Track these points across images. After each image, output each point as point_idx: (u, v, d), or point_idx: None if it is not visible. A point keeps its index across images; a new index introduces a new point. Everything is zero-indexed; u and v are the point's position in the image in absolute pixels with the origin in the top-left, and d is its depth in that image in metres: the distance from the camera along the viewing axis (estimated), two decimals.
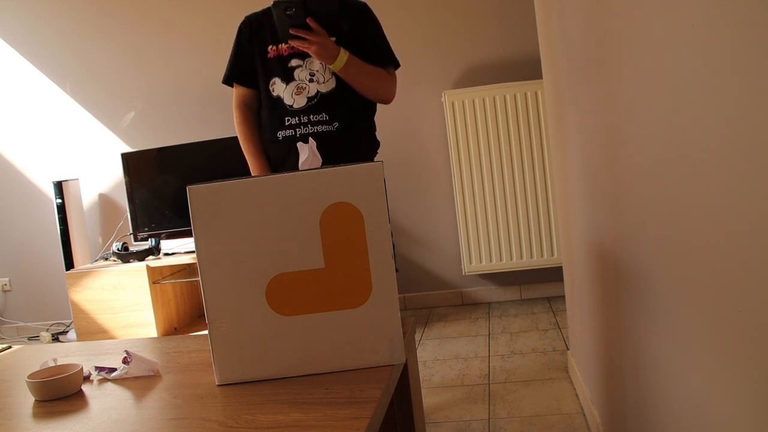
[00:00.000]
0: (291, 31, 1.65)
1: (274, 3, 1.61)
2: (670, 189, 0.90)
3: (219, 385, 1.04)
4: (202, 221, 1.01)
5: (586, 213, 1.62)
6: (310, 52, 1.71)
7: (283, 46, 1.78)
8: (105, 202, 3.66)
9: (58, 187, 3.33)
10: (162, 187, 3.26)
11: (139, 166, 3.28)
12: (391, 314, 1.00)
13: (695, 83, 0.76)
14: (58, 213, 3.34)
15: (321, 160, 1.58)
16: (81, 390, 1.10)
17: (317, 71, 1.77)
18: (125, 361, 1.16)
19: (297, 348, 1.02)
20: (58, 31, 3.56)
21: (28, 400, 1.08)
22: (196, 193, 1.00)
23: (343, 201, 0.99)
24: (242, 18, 1.87)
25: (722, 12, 0.66)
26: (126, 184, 3.28)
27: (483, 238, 3.12)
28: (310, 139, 1.66)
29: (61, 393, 1.07)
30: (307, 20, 1.65)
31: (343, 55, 1.71)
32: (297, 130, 1.74)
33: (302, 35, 1.66)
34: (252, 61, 1.82)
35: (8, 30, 3.61)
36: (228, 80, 1.87)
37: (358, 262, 0.99)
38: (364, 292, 1.00)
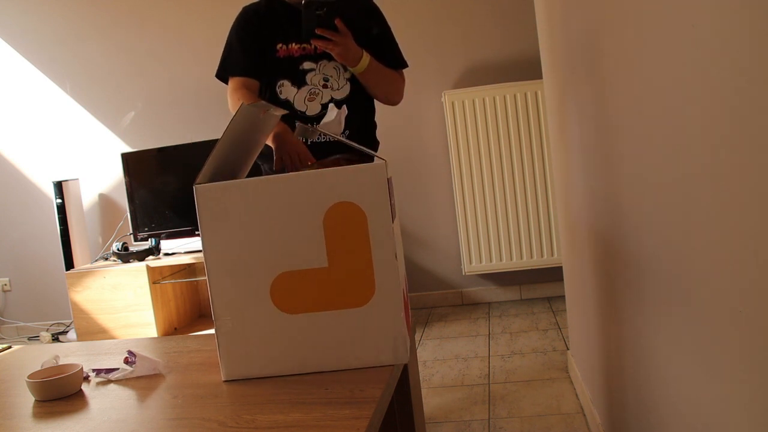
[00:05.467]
0: (317, 31, 1.60)
1: (306, 2, 1.56)
2: (671, 189, 0.90)
3: (225, 381, 1.04)
4: (209, 220, 1.02)
5: (587, 213, 1.62)
6: (333, 54, 1.65)
7: (294, 45, 1.71)
8: (105, 202, 3.66)
9: (58, 187, 3.33)
10: (162, 187, 3.26)
11: (139, 166, 3.28)
12: (394, 314, 1.00)
13: (695, 82, 0.76)
14: (58, 213, 3.34)
15: (342, 129, 1.54)
16: (81, 390, 1.10)
17: (331, 77, 1.72)
18: (126, 361, 1.16)
19: (301, 346, 1.02)
20: (58, 31, 3.56)
21: (28, 400, 1.08)
22: (202, 192, 1.01)
23: (347, 200, 0.99)
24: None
25: (722, 12, 0.66)
26: (126, 184, 3.28)
27: (483, 238, 3.12)
28: (344, 106, 1.59)
29: (61, 393, 1.07)
30: (335, 21, 1.60)
31: (366, 58, 1.67)
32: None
33: (328, 36, 1.60)
34: (258, 55, 1.72)
35: (8, 30, 3.61)
36: (235, 73, 1.72)
37: (361, 262, 1.00)
38: (367, 292, 1.00)
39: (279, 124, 1.61)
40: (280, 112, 1.36)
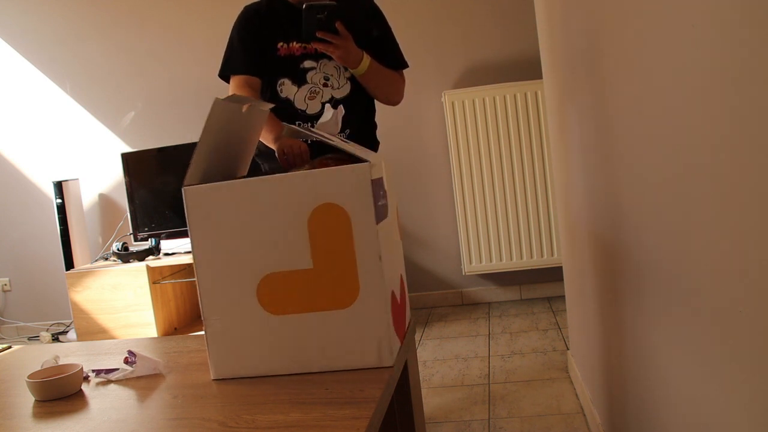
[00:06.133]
0: (318, 35, 1.61)
1: (307, 6, 1.57)
2: (671, 189, 0.90)
3: (214, 380, 1.05)
4: (198, 221, 1.03)
5: (587, 212, 1.62)
6: (334, 57, 1.66)
7: (295, 45, 1.71)
8: (105, 202, 3.66)
9: (58, 187, 3.33)
10: (162, 187, 3.26)
11: (139, 166, 3.28)
12: (378, 316, 1.00)
13: (695, 82, 0.76)
14: (58, 213, 3.34)
15: (338, 129, 1.55)
16: (81, 390, 1.10)
17: (332, 75, 1.72)
18: (127, 361, 1.16)
19: (287, 346, 1.03)
20: (58, 31, 3.56)
21: (28, 400, 1.08)
22: (191, 194, 1.02)
23: (331, 202, 0.99)
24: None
25: (722, 12, 0.66)
26: (126, 184, 3.28)
27: (483, 238, 3.12)
28: (340, 106, 1.61)
29: (61, 393, 1.07)
30: (336, 24, 1.60)
31: (366, 60, 1.68)
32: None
33: (329, 39, 1.61)
34: (259, 54, 1.73)
35: (8, 30, 3.61)
36: (237, 72, 1.73)
37: (345, 263, 0.99)
38: (351, 294, 1.00)
39: (279, 124, 1.62)
40: (266, 106, 1.35)
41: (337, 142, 1.15)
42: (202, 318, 1.05)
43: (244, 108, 1.18)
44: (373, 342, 1.00)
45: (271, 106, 1.39)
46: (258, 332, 1.03)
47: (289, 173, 1.02)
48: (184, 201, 1.02)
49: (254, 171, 1.57)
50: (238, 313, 1.03)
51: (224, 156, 1.17)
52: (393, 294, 1.06)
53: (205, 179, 1.08)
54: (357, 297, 0.99)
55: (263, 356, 1.03)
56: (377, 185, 1.03)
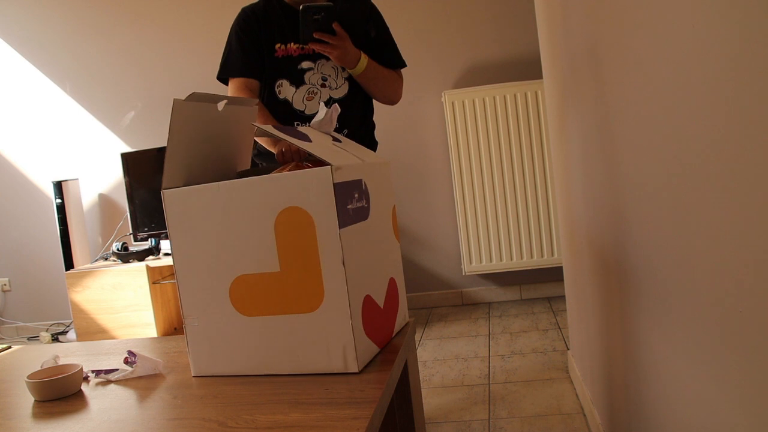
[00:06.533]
0: (315, 35, 1.61)
1: (304, 7, 1.57)
2: (670, 188, 0.90)
3: (194, 377, 1.08)
4: (176, 222, 1.05)
5: (587, 212, 1.62)
6: (331, 57, 1.66)
7: (293, 45, 1.72)
8: (105, 202, 3.66)
9: (58, 187, 3.33)
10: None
11: (139, 166, 3.28)
12: (343, 322, 0.99)
13: (696, 82, 0.76)
14: (58, 213, 3.35)
15: (333, 128, 1.55)
16: (81, 390, 1.10)
17: (329, 76, 1.73)
18: (126, 362, 1.16)
19: (257, 347, 1.04)
20: (58, 31, 3.56)
21: (27, 400, 1.08)
22: (169, 197, 1.05)
23: (295, 206, 0.99)
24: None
25: (722, 12, 0.66)
26: (126, 184, 3.28)
27: (483, 238, 3.12)
28: (335, 104, 1.62)
29: (61, 393, 1.07)
30: (333, 25, 1.61)
31: (364, 60, 1.69)
32: None
33: (326, 39, 1.62)
34: (257, 56, 1.73)
35: (8, 30, 3.61)
36: (235, 74, 1.73)
37: (310, 268, 1.00)
38: (316, 298, 1.00)
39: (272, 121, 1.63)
40: (249, 103, 1.34)
41: (315, 144, 1.13)
42: (182, 317, 1.07)
43: (220, 106, 1.18)
44: (338, 347, 1.00)
45: (256, 101, 1.38)
46: (231, 332, 1.05)
47: (256, 177, 1.02)
48: (163, 204, 1.05)
49: (254, 171, 1.57)
50: (213, 313, 1.05)
51: (218, 155, 1.17)
52: (369, 298, 1.05)
53: (194, 180, 1.08)
54: (322, 301, 1.00)
55: (237, 356, 1.05)
56: (347, 188, 1.01)
